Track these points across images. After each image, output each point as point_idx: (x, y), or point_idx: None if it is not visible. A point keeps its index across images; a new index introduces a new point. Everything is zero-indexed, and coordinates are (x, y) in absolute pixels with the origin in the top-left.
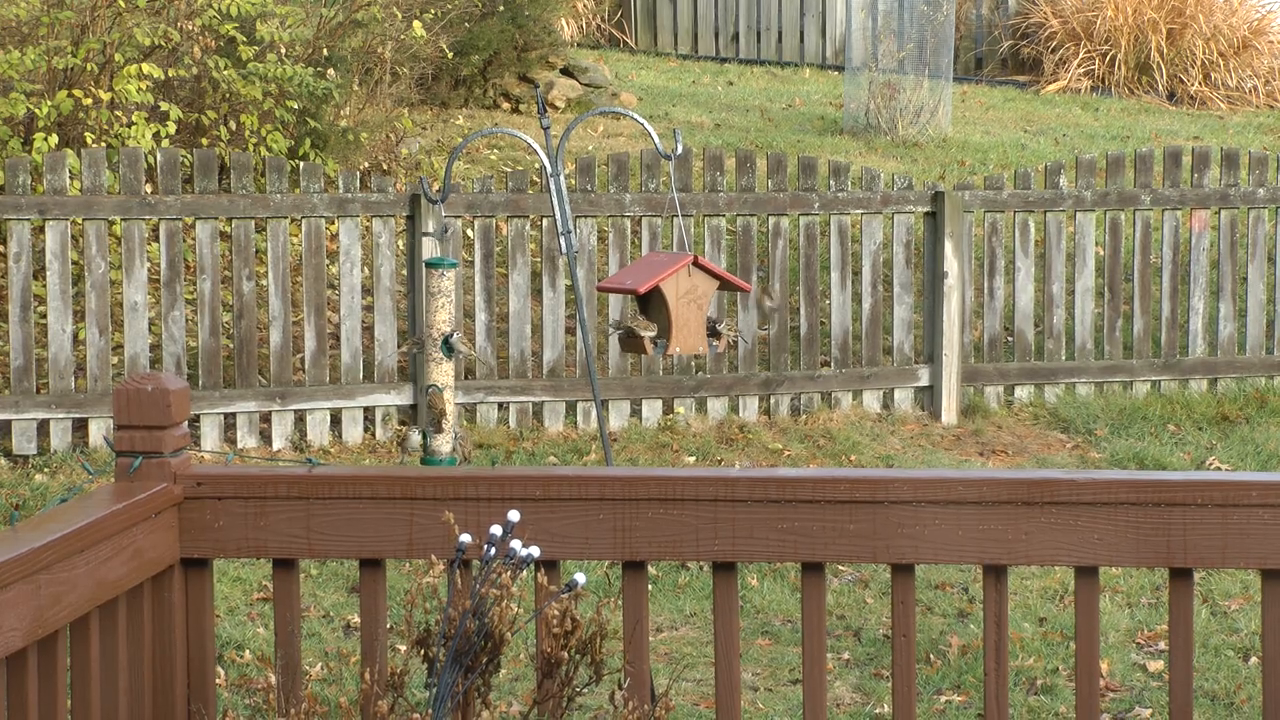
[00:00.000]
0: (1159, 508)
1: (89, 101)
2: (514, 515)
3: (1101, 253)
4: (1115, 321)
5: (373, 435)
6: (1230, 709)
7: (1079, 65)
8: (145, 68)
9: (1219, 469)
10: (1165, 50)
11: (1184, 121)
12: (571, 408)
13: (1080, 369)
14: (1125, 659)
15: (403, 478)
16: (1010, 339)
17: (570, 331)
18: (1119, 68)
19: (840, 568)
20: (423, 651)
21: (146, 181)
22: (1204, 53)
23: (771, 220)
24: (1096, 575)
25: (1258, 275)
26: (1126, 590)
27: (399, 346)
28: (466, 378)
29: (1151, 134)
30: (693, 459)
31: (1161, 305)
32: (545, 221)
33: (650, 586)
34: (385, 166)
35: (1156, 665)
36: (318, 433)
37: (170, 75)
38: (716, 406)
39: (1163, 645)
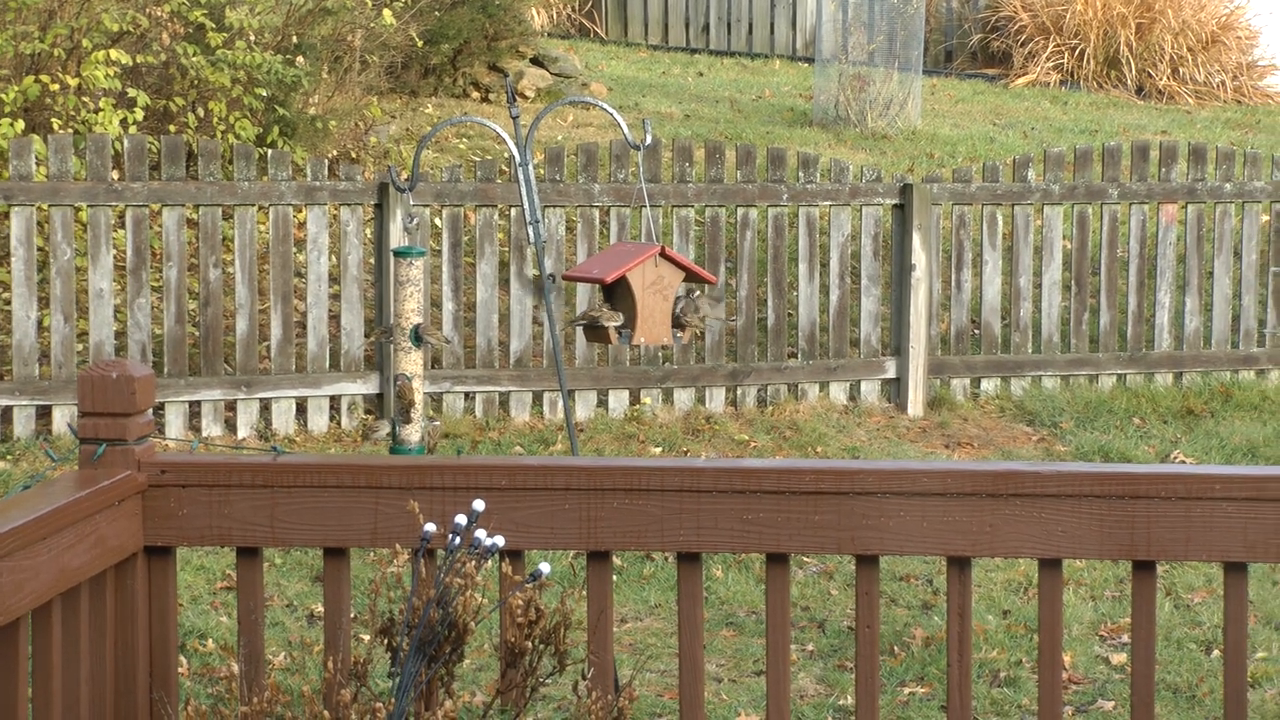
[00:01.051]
0: (1123, 500)
1: (56, 87)
2: (479, 504)
3: (1069, 246)
4: (1082, 315)
5: (339, 424)
6: (1192, 702)
7: (1048, 59)
8: (113, 54)
9: (1184, 463)
10: (1134, 45)
11: (1152, 116)
12: (538, 398)
13: (1046, 362)
14: (1089, 651)
15: (367, 466)
16: (977, 332)
17: (537, 321)
18: (1088, 62)
19: (805, 559)
20: (386, 640)
21: (113, 168)
22: (1172, 47)
23: (740, 211)
24: (1060, 567)
25: (1224, 270)
26: (1090, 583)
27: (366, 336)
28: (433, 367)
29: (1120, 128)
30: (659, 450)
31: (1128, 299)
32: (513, 211)
33: (615, 577)
34: (354, 155)
35: (1120, 658)
36: (283, 421)
37: (138, 61)
38: (683, 397)
39: (1126, 638)
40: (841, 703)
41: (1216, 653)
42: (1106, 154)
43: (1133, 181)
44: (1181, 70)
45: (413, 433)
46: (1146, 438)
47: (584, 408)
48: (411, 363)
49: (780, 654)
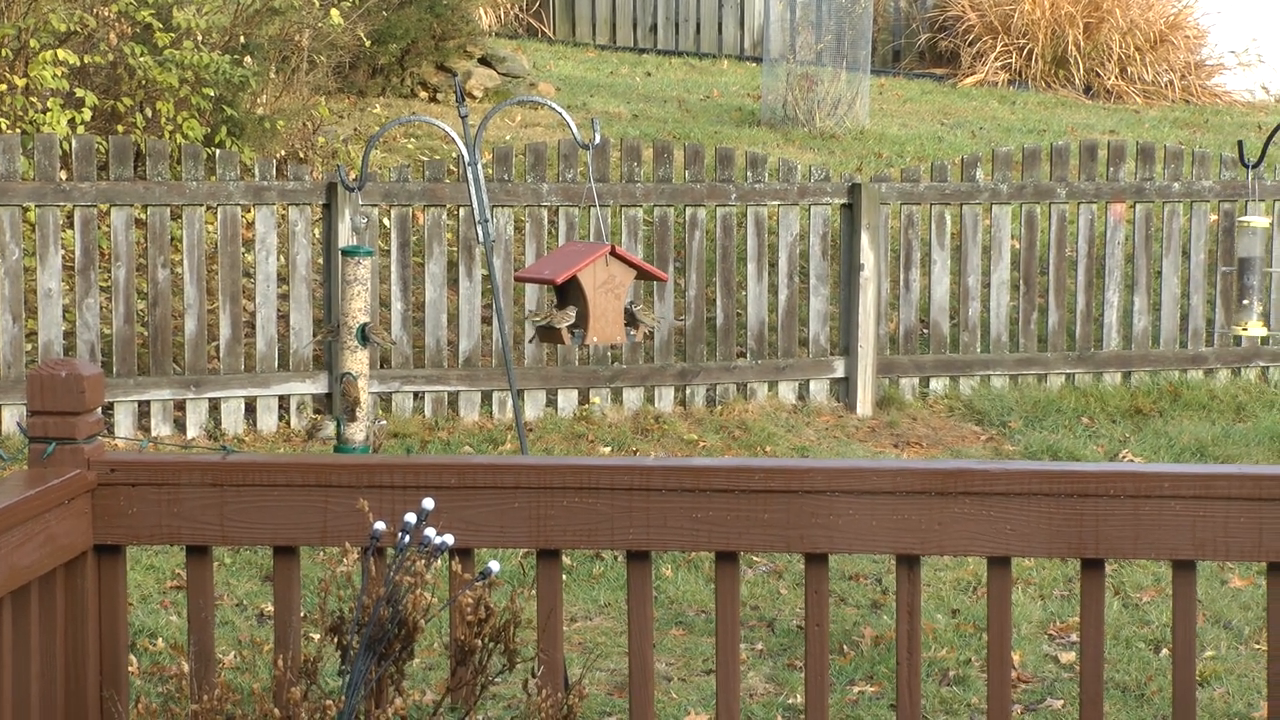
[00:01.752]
0: (1071, 499)
1: (3, 87)
2: (428, 503)
3: (1017, 246)
4: (1030, 314)
5: (288, 424)
6: (1141, 700)
7: (996, 59)
8: (61, 54)
9: (1132, 462)
10: (1082, 44)
11: (1100, 115)
12: (487, 397)
13: (995, 361)
14: (1038, 650)
15: (317, 465)
16: (926, 331)
17: (487, 321)
18: (1036, 61)
19: (755, 558)
20: (336, 639)
21: (61, 168)
22: (1120, 47)
23: (688, 211)
24: (1009, 566)
25: (1172, 269)
26: (1040, 582)
27: (314, 335)
28: (382, 366)
29: (1068, 128)
30: (608, 449)
31: (1076, 298)
32: (462, 211)
33: (565, 576)
34: (302, 155)
35: (1068, 656)
36: (232, 421)
37: (86, 61)
38: (632, 397)
39: (1075, 637)
40: (791, 701)
41: (1165, 651)
42: (1054, 154)
43: (1081, 181)
44: (1130, 70)
45: (357, 432)
46: (1095, 437)
47: (533, 407)
48: (357, 361)
49: (729, 652)
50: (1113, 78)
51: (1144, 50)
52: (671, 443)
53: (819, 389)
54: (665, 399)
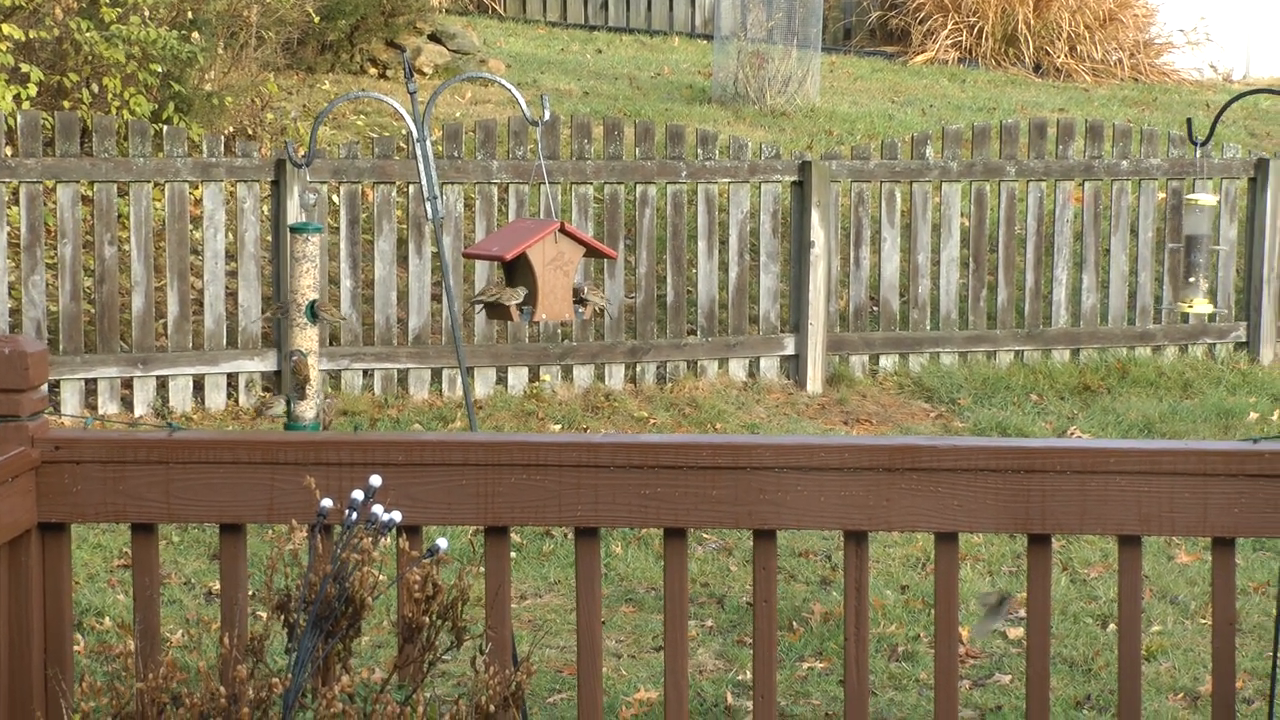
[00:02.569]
0: (1018, 474)
1: None
2: (376, 480)
3: (967, 223)
4: (980, 292)
5: (236, 402)
6: (1088, 675)
7: (947, 37)
8: (5, 28)
9: (1080, 438)
10: (1032, 23)
11: (1050, 94)
12: (437, 375)
13: (945, 339)
14: (986, 625)
15: (263, 442)
16: (876, 309)
17: (436, 298)
18: (986, 40)
19: (704, 535)
20: (283, 617)
21: (6, 144)
22: (1070, 25)
23: (639, 188)
24: (956, 541)
25: (1120, 247)
26: (988, 558)
27: (264, 313)
28: (331, 344)
29: (1018, 106)
30: (558, 426)
31: (1025, 276)
32: (412, 188)
33: (515, 554)
34: (250, 131)
35: (1016, 632)
36: (180, 399)
37: (31, 36)
38: (582, 374)
39: (1023, 613)
40: (740, 678)
41: (1112, 627)
42: (1004, 132)
43: (1030, 159)
44: (1079, 48)
45: (308, 409)
46: (1044, 414)
47: (483, 385)
48: (307, 339)
49: (678, 629)
50: (1062, 56)
51: (1093, 29)
52: (622, 420)
53: (769, 366)
54: (616, 376)
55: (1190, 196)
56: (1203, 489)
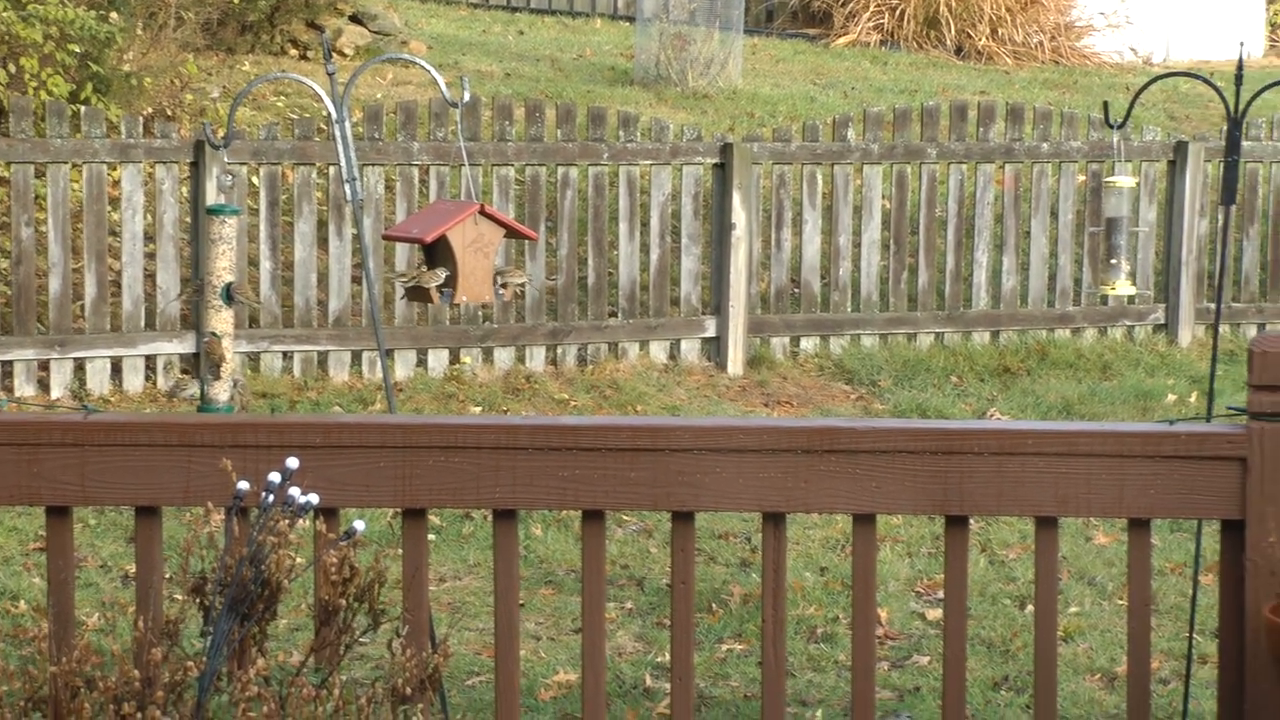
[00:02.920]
0: (936, 456)
1: None
2: (293, 462)
3: (888, 205)
4: (900, 274)
5: (154, 384)
6: (1006, 656)
7: (869, 19)
8: None
9: (999, 420)
10: (953, 5)
11: (971, 76)
12: (357, 357)
13: (865, 321)
14: (905, 607)
15: (179, 424)
16: (797, 291)
17: (357, 280)
18: (908, 22)
19: (624, 517)
20: (199, 600)
21: None
22: (991, 8)
23: (560, 170)
24: (874, 523)
25: (1041, 229)
26: (908, 539)
27: (181, 294)
28: (251, 326)
29: (939, 88)
30: (479, 409)
31: (946, 258)
32: (332, 170)
33: (435, 536)
34: (170, 112)
35: (935, 613)
36: (98, 381)
37: None
38: (503, 356)
39: (942, 594)
40: (659, 660)
41: (1031, 608)
42: (925, 114)
43: (951, 142)
44: (1000, 31)
45: (222, 391)
46: (964, 396)
47: (404, 367)
48: (222, 321)
49: (596, 611)
50: (984, 39)
51: (1014, 11)
52: (543, 402)
53: (690, 348)
54: (536, 358)
55: (1109, 179)
56: (1119, 471)
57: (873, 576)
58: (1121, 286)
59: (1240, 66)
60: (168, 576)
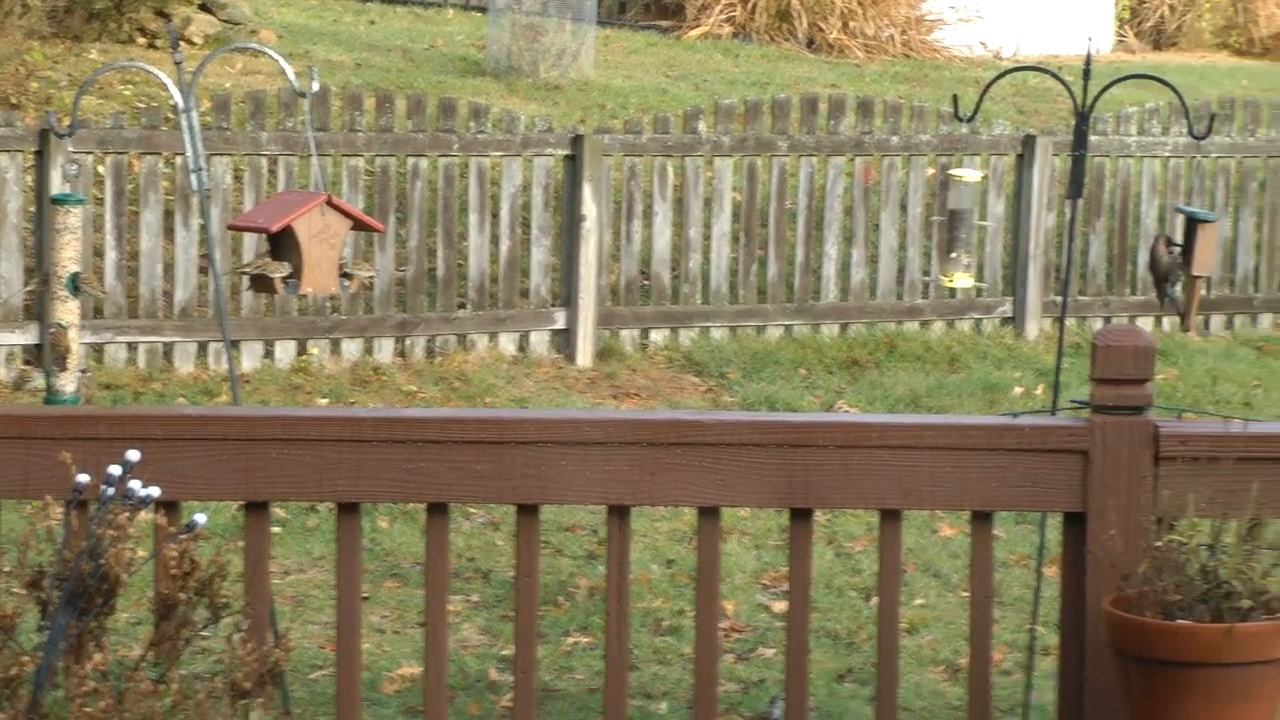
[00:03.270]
0: (781, 449)
1: None
2: (133, 455)
3: (738, 198)
4: (750, 266)
5: None
6: (851, 648)
7: (721, 11)
8: None
9: (848, 412)
10: None
11: (823, 69)
12: (203, 348)
13: (715, 313)
14: (751, 600)
15: (18, 416)
16: (647, 283)
17: (204, 271)
18: (760, 14)
19: (471, 510)
20: (36, 594)
21: None
22: (843, 2)
23: (410, 161)
24: (718, 516)
25: (890, 222)
26: (755, 532)
27: (26, 285)
28: (96, 317)
29: (791, 81)
30: (325, 401)
31: (796, 251)
32: (180, 159)
33: (280, 529)
34: (14, 101)
35: (782, 606)
36: None
37: None
38: (351, 348)
39: (788, 586)
40: (505, 653)
41: (876, 600)
42: (776, 106)
43: (802, 134)
44: (852, 24)
45: (68, 383)
46: (812, 388)
47: (250, 359)
48: (68, 311)
49: (439, 604)
50: (835, 31)
51: (866, 5)
52: (390, 394)
53: (540, 340)
54: (385, 350)
55: (954, 172)
56: (963, 464)
57: (717, 569)
58: (961, 279)
59: (1088, 61)
60: (6, 570)
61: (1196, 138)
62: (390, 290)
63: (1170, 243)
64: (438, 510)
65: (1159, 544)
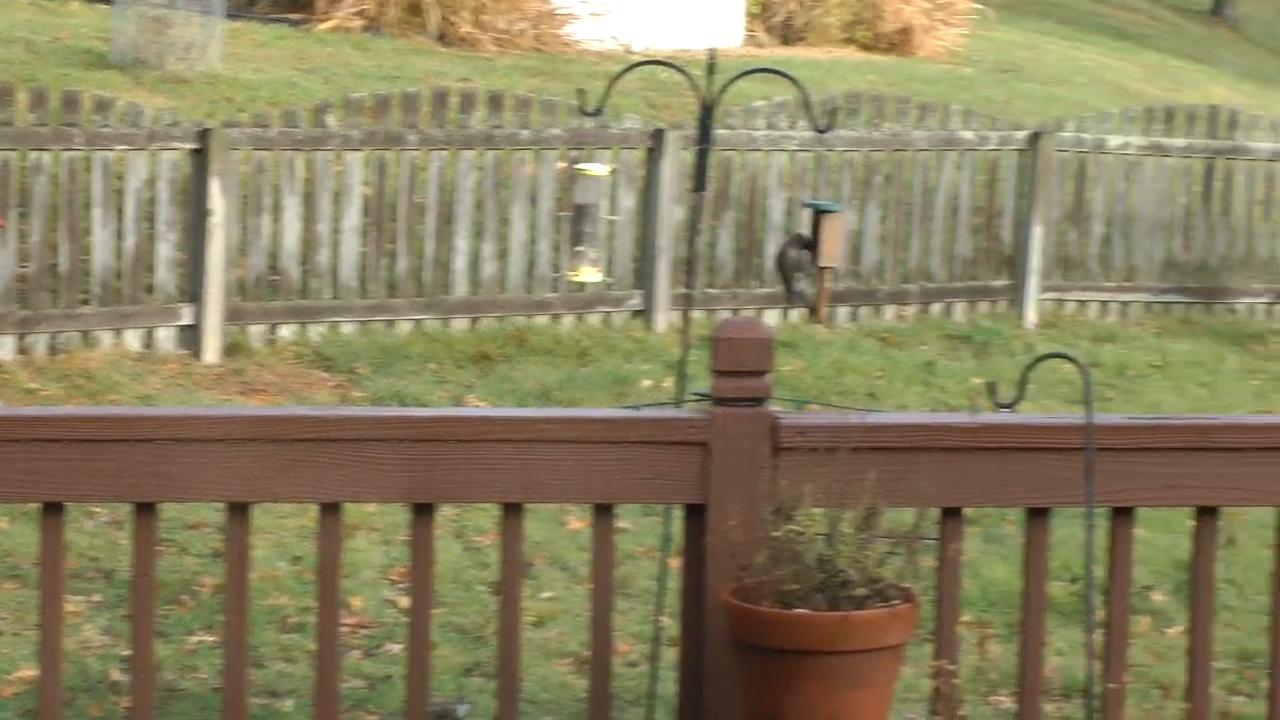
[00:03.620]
0: (403, 444)
1: None
2: None
3: (369, 192)
4: (380, 261)
5: None
6: (479, 642)
7: (352, 4)
8: None
9: (478, 406)
10: None
11: (454, 63)
12: None
13: (345, 308)
14: (379, 595)
15: None
16: (277, 278)
17: None
18: (391, 8)
19: (94, 509)
20: None
21: None
22: None
23: (32, 155)
24: (339, 512)
25: (520, 215)
26: (384, 528)
27: None
28: None
29: (422, 75)
30: None
31: (426, 245)
32: None
33: None
34: None
35: (409, 601)
36: None
37: None
38: None
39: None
40: (127, 653)
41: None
42: (406, 100)
43: (432, 128)
44: (483, 18)
45: None
46: (442, 382)
47: None
48: None
49: (54, 605)
50: (466, 25)
51: None
52: (11, 393)
53: (166, 336)
54: (6, 348)
55: (580, 166)
56: (586, 457)
57: (338, 565)
58: (588, 273)
59: (713, 56)
60: None
61: (820, 131)
62: (12, 287)
63: (801, 242)
64: (53, 510)
65: (777, 534)
